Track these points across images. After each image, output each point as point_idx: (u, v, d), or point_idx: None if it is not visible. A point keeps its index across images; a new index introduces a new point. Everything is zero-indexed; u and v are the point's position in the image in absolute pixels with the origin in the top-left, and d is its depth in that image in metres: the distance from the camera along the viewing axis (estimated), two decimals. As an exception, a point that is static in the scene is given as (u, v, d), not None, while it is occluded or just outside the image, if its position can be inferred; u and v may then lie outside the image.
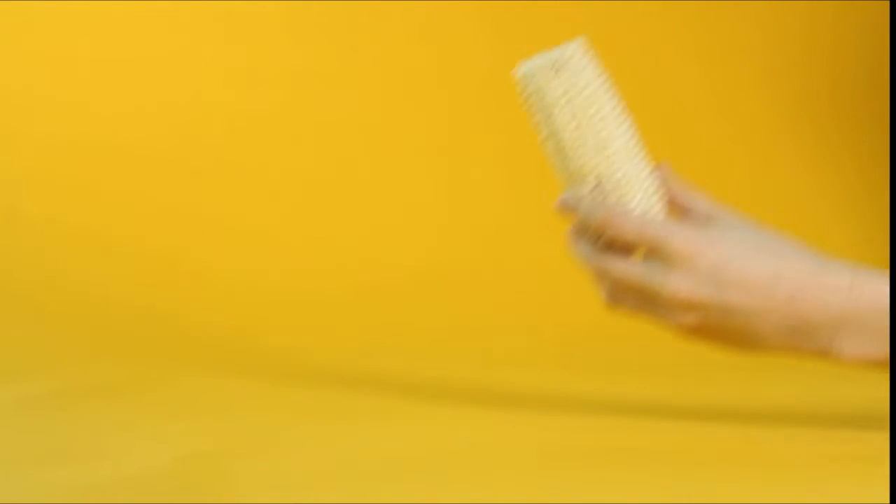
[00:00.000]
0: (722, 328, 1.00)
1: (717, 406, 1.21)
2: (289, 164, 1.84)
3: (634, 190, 1.03)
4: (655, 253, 1.00)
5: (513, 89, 1.93)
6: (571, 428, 1.08)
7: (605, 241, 1.03)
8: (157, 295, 1.67)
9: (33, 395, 1.23)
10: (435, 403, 1.21)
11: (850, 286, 0.98)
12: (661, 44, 1.98)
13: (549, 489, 0.86)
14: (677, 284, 0.99)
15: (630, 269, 1.01)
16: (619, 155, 1.03)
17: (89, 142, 1.78)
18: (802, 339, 0.99)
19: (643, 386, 1.35)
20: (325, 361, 1.52)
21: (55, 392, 1.25)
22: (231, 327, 1.62)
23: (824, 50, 2.03)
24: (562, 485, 0.87)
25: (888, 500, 0.82)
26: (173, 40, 1.85)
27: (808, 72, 2.02)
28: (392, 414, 1.15)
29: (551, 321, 1.62)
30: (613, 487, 0.86)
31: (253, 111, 1.85)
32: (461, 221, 1.74)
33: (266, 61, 1.87)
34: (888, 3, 2.01)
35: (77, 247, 1.70)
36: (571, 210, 1.03)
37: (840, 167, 1.97)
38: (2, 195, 1.74)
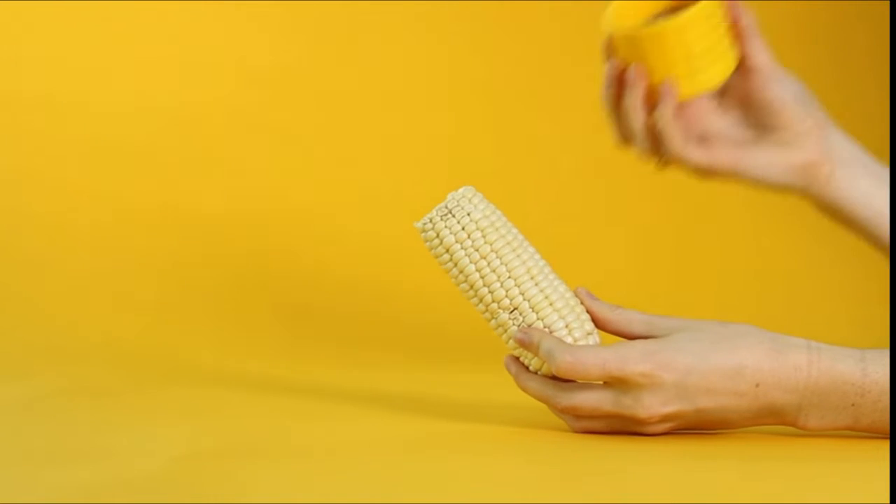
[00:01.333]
0: (696, 425, 1.03)
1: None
2: (288, 165, 1.84)
3: (551, 309, 1.05)
4: (618, 381, 1.01)
5: (509, 90, 1.95)
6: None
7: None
8: (157, 295, 1.67)
9: (33, 395, 1.23)
10: (432, 402, 1.21)
11: (809, 363, 1.01)
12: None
13: (554, 485, 0.87)
14: (650, 405, 1.01)
15: (600, 401, 1.02)
16: (524, 280, 1.05)
17: (89, 142, 1.78)
18: (770, 419, 1.02)
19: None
20: (323, 362, 1.52)
21: (55, 392, 1.25)
22: (230, 328, 1.62)
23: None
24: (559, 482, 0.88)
25: (888, 501, 0.82)
26: (173, 40, 1.85)
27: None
28: (390, 413, 1.15)
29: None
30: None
31: (253, 111, 1.85)
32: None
33: (266, 61, 1.87)
34: (888, 4, 2.01)
35: (77, 247, 1.70)
36: (530, 357, 1.06)
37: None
38: (3, 195, 1.74)
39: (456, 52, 1.94)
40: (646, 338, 1.03)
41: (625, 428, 1.03)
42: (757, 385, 1.00)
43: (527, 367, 1.06)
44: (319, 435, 1.06)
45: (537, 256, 1.07)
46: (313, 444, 1.02)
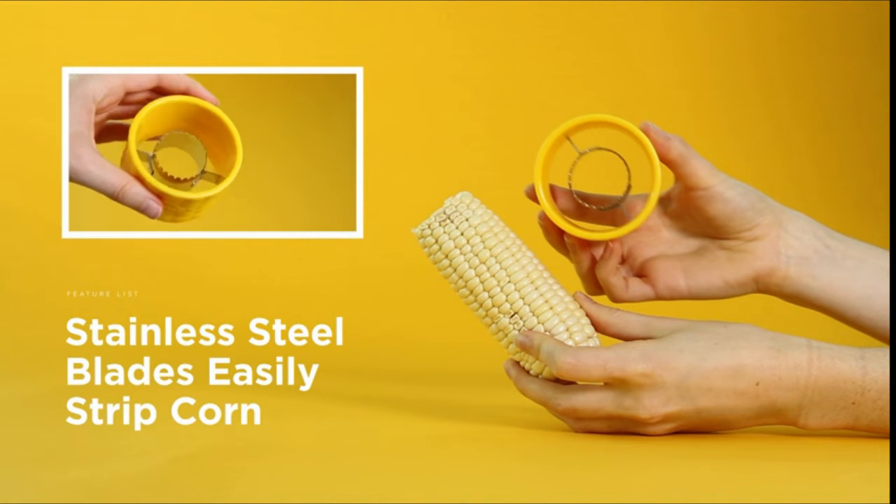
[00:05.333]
0: (697, 425, 1.03)
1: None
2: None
3: (552, 314, 1.05)
4: (619, 382, 1.01)
5: (506, 89, 1.94)
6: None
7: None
8: (157, 294, 1.67)
9: (33, 395, 1.23)
10: (432, 403, 1.21)
11: (809, 362, 1.01)
12: (650, 45, 1.98)
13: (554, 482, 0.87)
14: (650, 405, 1.01)
15: (601, 403, 1.02)
16: (524, 284, 1.05)
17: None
18: (771, 418, 1.02)
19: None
20: (322, 361, 1.52)
21: (55, 392, 1.25)
22: (229, 327, 1.62)
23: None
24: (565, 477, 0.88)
25: (888, 501, 0.82)
26: (173, 38, 1.85)
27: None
28: (390, 414, 1.15)
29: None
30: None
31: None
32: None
33: (264, 60, 1.87)
34: (888, 4, 2.01)
35: (78, 247, 1.70)
36: (529, 359, 1.06)
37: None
38: (3, 196, 1.74)
39: (454, 55, 1.94)
40: (645, 339, 1.03)
41: (626, 429, 1.03)
42: (757, 384, 1.00)
43: (526, 371, 1.06)
44: (319, 435, 1.06)
45: (536, 261, 1.07)
46: (313, 444, 1.02)
